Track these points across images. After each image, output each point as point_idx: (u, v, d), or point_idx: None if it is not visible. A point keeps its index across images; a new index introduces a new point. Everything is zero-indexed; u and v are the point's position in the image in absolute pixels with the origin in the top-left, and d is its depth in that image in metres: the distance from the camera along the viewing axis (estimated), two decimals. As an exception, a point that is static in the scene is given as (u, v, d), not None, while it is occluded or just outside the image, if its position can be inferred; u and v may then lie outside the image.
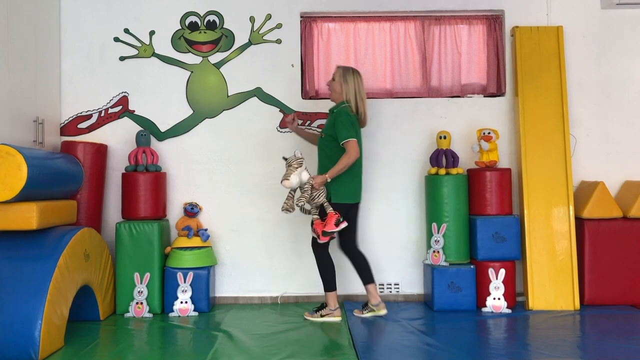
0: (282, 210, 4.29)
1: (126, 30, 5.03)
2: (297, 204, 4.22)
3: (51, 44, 4.85)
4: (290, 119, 4.68)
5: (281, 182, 4.23)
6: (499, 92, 5.14)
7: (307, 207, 4.29)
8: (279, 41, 5.07)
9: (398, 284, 5.03)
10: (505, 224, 4.66)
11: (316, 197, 4.20)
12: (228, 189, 5.00)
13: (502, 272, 4.59)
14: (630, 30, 5.11)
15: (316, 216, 4.25)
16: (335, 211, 4.16)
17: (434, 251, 4.70)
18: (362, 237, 5.00)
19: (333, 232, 4.14)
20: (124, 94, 5.03)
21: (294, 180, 4.18)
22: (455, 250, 4.69)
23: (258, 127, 5.03)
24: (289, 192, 4.31)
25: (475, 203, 4.78)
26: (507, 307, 4.57)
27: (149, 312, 4.55)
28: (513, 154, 5.05)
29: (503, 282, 4.59)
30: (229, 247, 5.00)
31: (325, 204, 4.20)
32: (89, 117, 5.01)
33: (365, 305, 4.48)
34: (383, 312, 4.40)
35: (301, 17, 5.11)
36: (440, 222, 4.70)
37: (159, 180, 4.80)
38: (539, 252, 4.71)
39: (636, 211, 4.68)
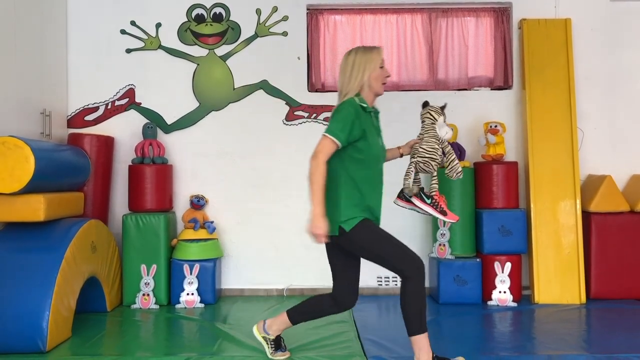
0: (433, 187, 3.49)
1: (132, 23, 5.03)
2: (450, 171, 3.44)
3: (58, 37, 4.85)
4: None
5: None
6: (506, 85, 5.12)
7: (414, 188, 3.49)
8: (285, 34, 5.06)
9: (404, 277, 5.03)
10: (512, 217, 4.65)
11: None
12: (234, 181, 5.01)
13: (508, 265, 4.58)
14: (638, 23, 5.07)
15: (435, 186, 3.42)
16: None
17: (439, 244, 4.70)
18: (367, 230, 5.01)
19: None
20: (130, 86, 5.03)
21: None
22: (461, 244, 4.69)
23: (264, 120, 5.03)
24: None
25: (481, 196, 4.77)
26: (513, 301, 4.57)
27: (156, 303, 4.58)
28: (520, 148, 5.03)
29: (509, 275, 4.58)
30: (235, 239, 5.01)
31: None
32: (96, 109, 5.02)
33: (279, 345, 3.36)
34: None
35: (307, 9, 5.09)
36: (446, 216, 4.69)
37: (165, 172, 4.81)
38: (545, 245, 4.69)
39: (643, 205, 4.67)
